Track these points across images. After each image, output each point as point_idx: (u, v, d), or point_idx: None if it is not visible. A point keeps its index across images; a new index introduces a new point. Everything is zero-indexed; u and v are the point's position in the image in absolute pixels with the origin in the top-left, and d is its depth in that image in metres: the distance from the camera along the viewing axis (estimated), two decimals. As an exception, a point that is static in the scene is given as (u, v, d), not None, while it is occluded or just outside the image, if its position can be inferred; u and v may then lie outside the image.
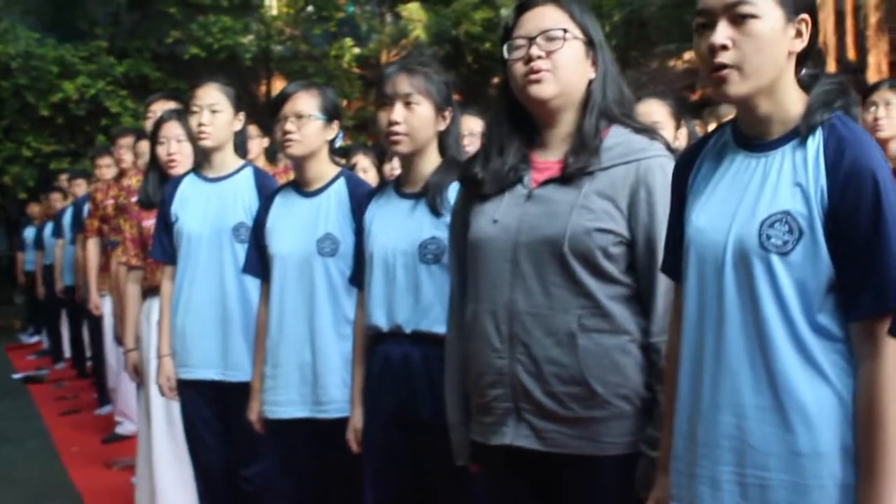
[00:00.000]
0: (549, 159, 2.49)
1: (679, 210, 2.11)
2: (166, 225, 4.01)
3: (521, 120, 2.55)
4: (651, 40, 15.62)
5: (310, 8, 16.10)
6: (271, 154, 6.01)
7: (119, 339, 5.58)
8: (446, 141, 3.09)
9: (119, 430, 7.20)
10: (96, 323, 7.35)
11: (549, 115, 2.49)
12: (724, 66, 1.88)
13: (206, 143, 3.88)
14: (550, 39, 2.44)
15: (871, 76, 10.58)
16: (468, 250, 2.55)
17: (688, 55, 15.06)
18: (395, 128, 2.99)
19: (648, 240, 2.37)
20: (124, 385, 6.98)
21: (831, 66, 10.76)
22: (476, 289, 2.50)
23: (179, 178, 4.06)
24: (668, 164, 2.44)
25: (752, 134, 1.98)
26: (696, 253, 1.98)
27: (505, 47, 2.51)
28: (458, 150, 3.12)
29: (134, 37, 14.67)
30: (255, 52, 14.97)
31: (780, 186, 1.89)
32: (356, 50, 15.40)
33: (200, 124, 3.85)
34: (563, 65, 2.44)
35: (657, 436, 2.31)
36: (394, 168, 5.08)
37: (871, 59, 10.71)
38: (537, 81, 2.43)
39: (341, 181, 3.49)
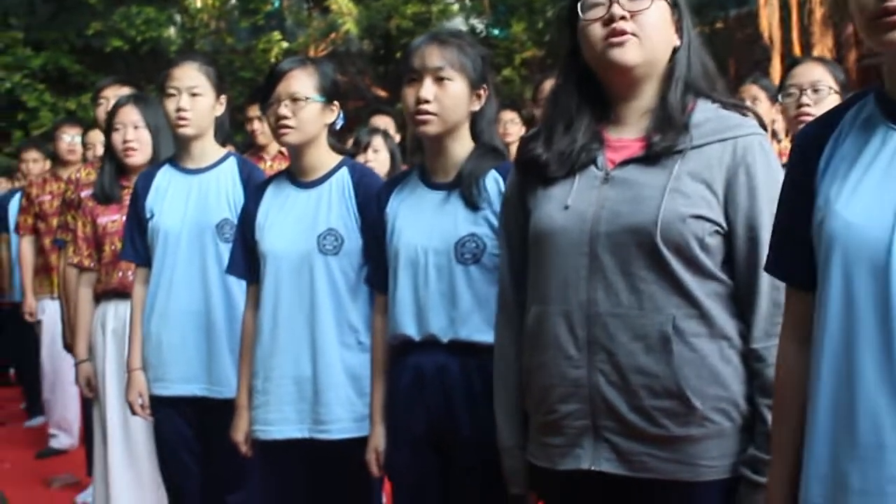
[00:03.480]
0: (626, 137, 2.18)
1: (802, 198, 1.70)
2: (139, 222, 3.57)
3: (591, 92, 2.22)
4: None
5: (233, 1, 15.58)
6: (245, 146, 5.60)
7: (68, 347, 5.11)
8: (480, 124, 2.74)
9: (54, 443, 6.71)
10: (28, 329, 6.81)
11: (630, 85, 2.17)
12: None
13: (186, 130, 3.46)
14: None
15: (817, 71, 10.48)
16: (531, 242, 2.21)
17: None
18: (425, 106, 2.63)
19: (750, 228, 2.06)
20: (61, 395, 6.57)
21: (776, 62, 10.68)
22: (542, 287, 2.16)
23: (153, 169, 3.63)
24: (767, 143, 2.15)
25: None
26: (844, 252, 1.57)
27: (579, 5, 2.17)
28: (493, 134, 2.78)
29: (51, 28, 13.96)
30: (179, 46, 14.38)
31: None
32: (284, 44, 14.89)
33: (179, 109, 3.43)
34: (649, 27, 2.12)
35: (762, 457, 2.00)
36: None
37: (816, 53, 10.62)
38: (620, 45, 2.10)
39: (344, 171, 3.10)
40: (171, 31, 14.41)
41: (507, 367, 2.33)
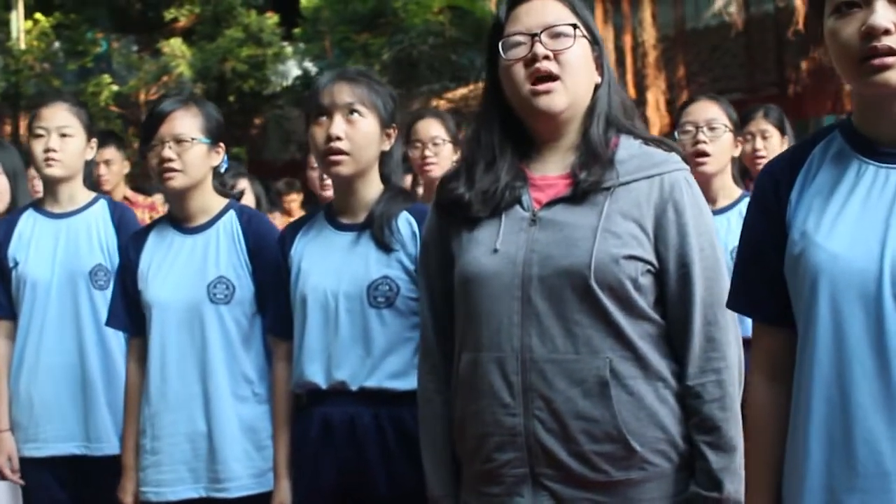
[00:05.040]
0: (550, 174, 2.13)
1: (772, 232, 1.73)
2: (1, 272, 3.33)
3: (512, 129, 2.17)
4: (420, 79, 15.59)
5: (57, 44, 15.05)
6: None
7: None
8: (389, 164, 2.66)
9: None
10: None
11: (555, 128, 2.13)
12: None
13: (55, 171, 3.26)
14: (556, 36, 2.09)
15: (650, 113, 10.86)
16: (458, 287, 2.14)
17: (451, 94, 15.17)
18: (337, 143, 2.53)
19: (682, 265, 2.03)
20: None
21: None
22: (473, 333, 2.09)
23: (14, 216, 3.39)
24: (692, 179, 2.14)
25: (886, 138, 1.64)
26: (831, 283, 1.59)
27: (500, 45, 2.12)
28: (400, 176, 2.70)
29: None
30: (2, 89, 13.77)
31: None
32: (115, 87, 14.44)
33: (48, 150, 3.23)
34: (572, 67, 2.09)
35: (704, 495, 1.99)
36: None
37: (650, 97, 10.99)
38: (546, 93, 2.06)
39: (231, 214, 2.94)
40: (-8, 74, 13.78)
41: (433, 416, 2.24)
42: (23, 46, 14.46)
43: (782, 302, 1.67)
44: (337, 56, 15.84)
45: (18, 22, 14.77)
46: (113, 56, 15.93)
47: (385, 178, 2.66)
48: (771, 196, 1.75)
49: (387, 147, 2.63)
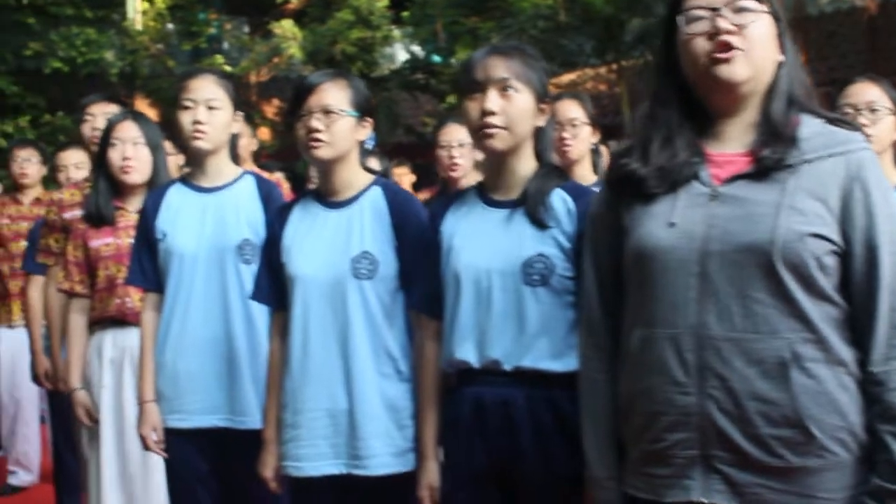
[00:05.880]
0: (728, 151, 2.07)
1: None
2: (148, 244, 3.34)
3: (689, 105, 2.11)
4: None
5: (170, 26, 15.32)
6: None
7: (36, 378, 4.85)
8: (543, 141, 2.61)
9: (13, 480, 6.34)
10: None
11: (735, 101, 2.07)
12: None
13: (203, 144, 3.26)
14: (740, 10, 2.03)
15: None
16: (631, 262, 2.09)
17: (559, 79, 15.05)
18: (491, 118, 2.49)
19: (869, 248, 1.96)
20: (22, 430, 6.26)
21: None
22: (647, 309, 2.04)
23: (163, 188, 3.41)
24: (876, 160, 2.07)
25: None
26: None
27: (680, 18, 2.06)
28: (552, 153, 2.65)
29: (-14, 48, 13.56)
30: (119, 69, 14.06)
31: None
32: (227, 68, 14.65)
33: (196, 122, 3.22)
34: (756, 42, 2.03)
35: (888, 487, 1.91)
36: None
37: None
38: (727, 61, 2.00)
39: (377, 190, 2.91)
40: (110, 54, 14.06)
41: (597, 394, 2.19)
42: (139, 27, 14.74)
43: None
44: (444, 40, 15.82)
45: (135, 3, 15.06)
46: (225, 37, 16.19)
47: (539, 155, 2.61)
48: None
49: (541, 122, 2.58)
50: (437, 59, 16.46)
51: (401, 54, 17.14)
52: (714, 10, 2.02)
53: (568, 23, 15.39)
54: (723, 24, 2.01)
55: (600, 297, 2.20)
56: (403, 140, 14.57)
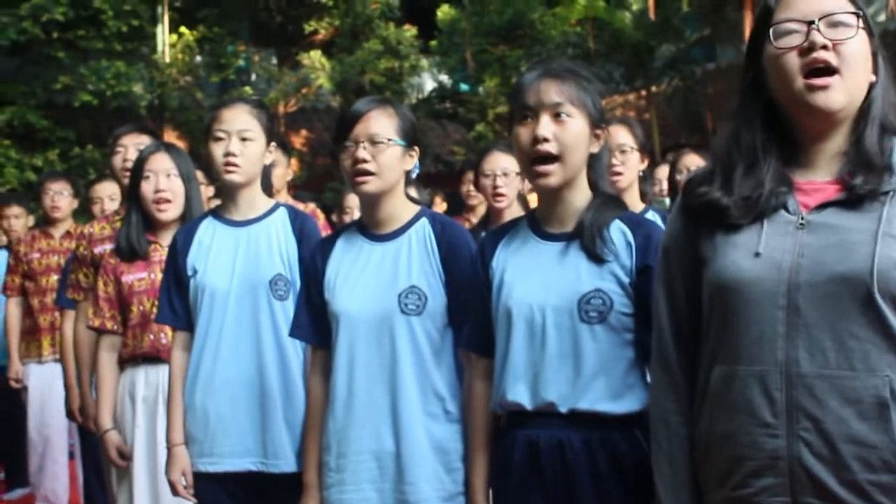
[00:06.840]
0: (816, 179, 1.94)
1: None
2: (178, 280, 3.20)
3: (774, 125, 1.98)
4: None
5: (199, 58, 15.35)
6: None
7: (71, 413, 4.73)
8: (598, 169, 2.47)
9: (41, 517, 6.25)
10: (12, 395, 6.35)
11: (828, 128, 1.94)
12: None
13: (235, 177, 3.12)
14: (835, 25, 1.90)
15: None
16: (712, 294, 1.96)
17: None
18: (545, 146, 2.35)
19: None
20: (51, 466, 6.17)
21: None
22: (729, 345, 1.91)
23: (194, 223, 3.28)
24: None
25: None
26: None
27: (771, 32, 1.93)
28: (607, 181, 2.51)
29: (17, 81, 13.55)
30: (148, 101, 14.07)
31: None
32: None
33: (228, 154, 3.09)
34: (852, 62, 1.90)
35: None
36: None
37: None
38: (824, 88, 1.87)
39: (424, 222, 2.78)
40: (139, 87, 14.08)
41: (672, 438, 2.05)
42: (167, 60, 14.77)
43: None
44: (474, 69, 15.78)
45: (164, 36, 15.11)
46: (253, 68, 16.20)
47: (593, 183, 2.47)
48: None
49: (596, 149, 2.45)
50: (464, 87, 16.43)
51: (429, 83, 17.11)
52: (809, 23, 1.90)
53: (597, 50, 15.35)
54: (818, 38, 1.88)
55: (674, 333, 2.07)
56: (431, 169, 14.48)
